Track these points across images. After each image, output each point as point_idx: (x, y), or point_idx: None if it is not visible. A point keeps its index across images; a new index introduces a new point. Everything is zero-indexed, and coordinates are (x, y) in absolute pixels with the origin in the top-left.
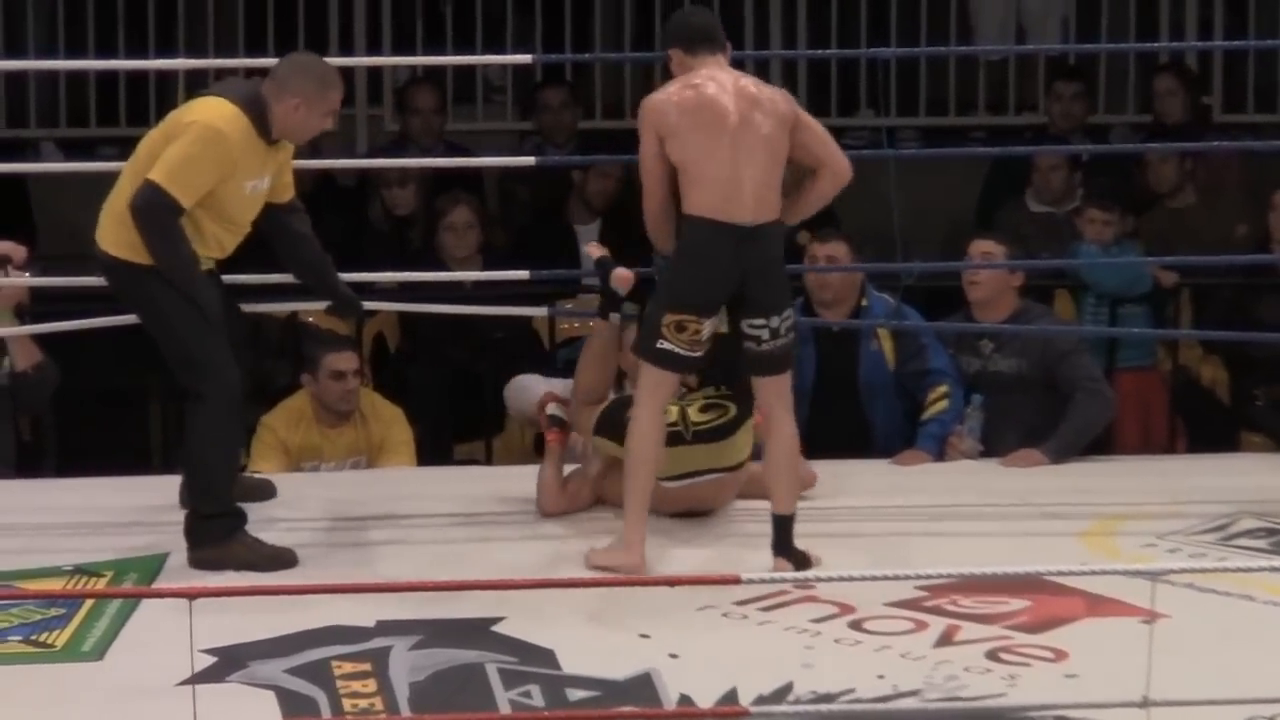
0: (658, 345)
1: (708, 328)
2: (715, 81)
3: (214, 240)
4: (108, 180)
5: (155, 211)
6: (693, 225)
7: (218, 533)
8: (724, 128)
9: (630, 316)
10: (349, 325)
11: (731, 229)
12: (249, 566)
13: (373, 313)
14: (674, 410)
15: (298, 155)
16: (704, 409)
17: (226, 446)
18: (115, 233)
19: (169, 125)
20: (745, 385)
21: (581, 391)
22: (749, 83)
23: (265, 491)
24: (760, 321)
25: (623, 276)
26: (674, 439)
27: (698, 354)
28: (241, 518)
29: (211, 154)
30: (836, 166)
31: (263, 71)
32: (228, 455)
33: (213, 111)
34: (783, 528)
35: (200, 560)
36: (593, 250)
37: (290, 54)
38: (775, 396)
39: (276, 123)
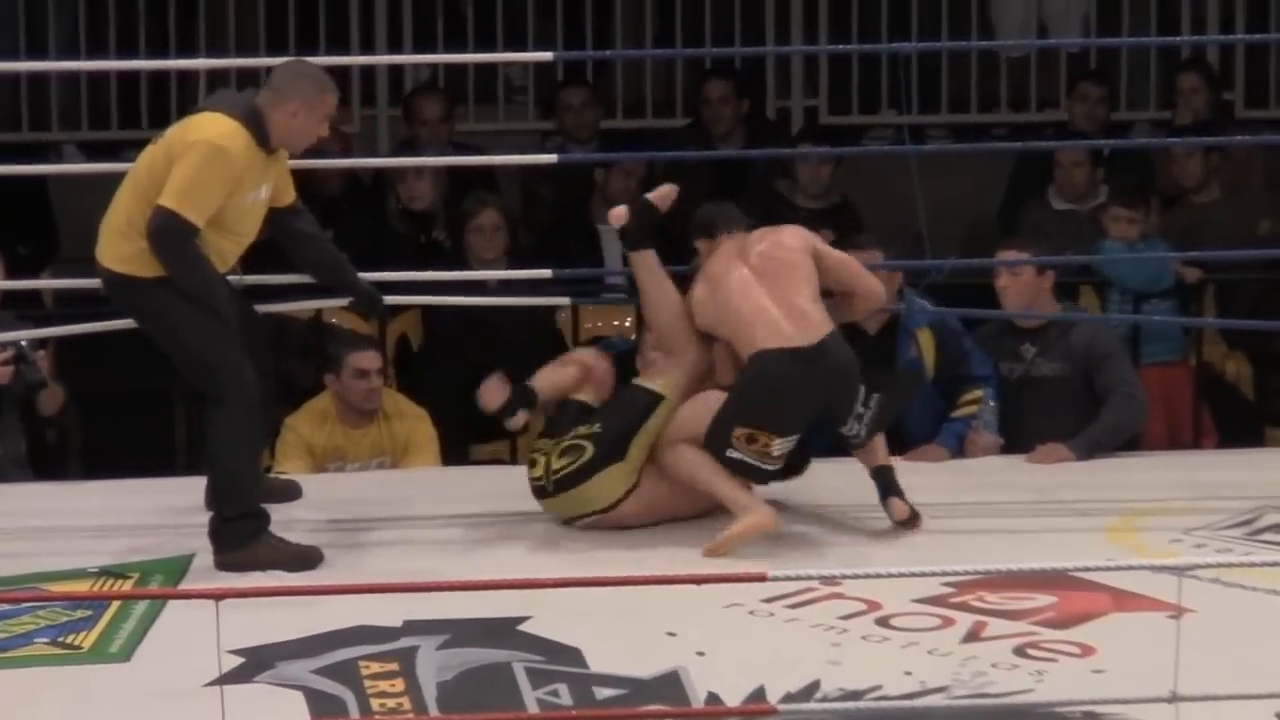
0: (727, 453)
1: (779, 445)
2: (727, 256)
3: (217, 253)
4: None
5: (173, 236)
6: (756, 357)
7: (242, 534)
8: (748, 288)
9: None
10: (372, 325)
11: (793, 352)
12: (275, 567)
13: (395, 310)
14: (540, 463)
15: (322, 156)
16: (564, 452)
17: (247, 448)
18: (116, 247)
19: (169, 145)
20: (617, 429)
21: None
22: (758, 234)
23: (290, 492)
24: (853, 424)
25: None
26: (539, 493)
27: (770, 467)
28: (265, 518)
29: (218, 173)
30: (868, 293)
31: (254, 79)
32: (249, 457)
33: (214, 129)
34: (886, 476)
35: (226, 562)
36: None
37: (284, 62)
38: None
39: (275, 131)
